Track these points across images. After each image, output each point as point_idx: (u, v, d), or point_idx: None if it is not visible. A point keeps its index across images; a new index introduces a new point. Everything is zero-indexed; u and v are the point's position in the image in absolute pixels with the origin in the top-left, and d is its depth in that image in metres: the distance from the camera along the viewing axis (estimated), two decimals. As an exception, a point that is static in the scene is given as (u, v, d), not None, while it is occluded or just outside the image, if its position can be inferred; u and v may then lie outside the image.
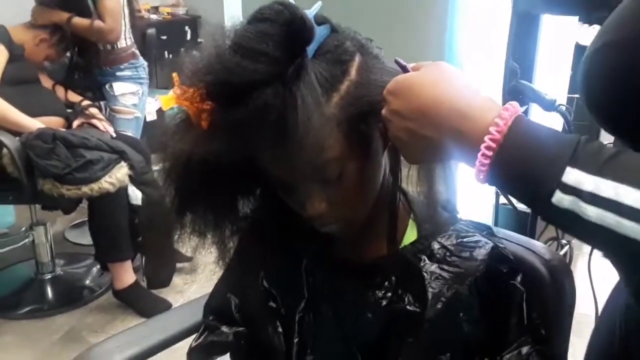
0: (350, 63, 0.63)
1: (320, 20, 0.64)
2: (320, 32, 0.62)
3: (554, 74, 1.95)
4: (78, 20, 2.31)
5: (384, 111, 0.59)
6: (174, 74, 0.62)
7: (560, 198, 0.47)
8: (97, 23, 2.31)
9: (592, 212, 0.46)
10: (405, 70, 0.62)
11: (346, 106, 0.61)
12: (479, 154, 0.51)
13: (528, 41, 1.55)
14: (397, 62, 0.63)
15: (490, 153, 0.50)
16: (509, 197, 0.57)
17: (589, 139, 0.49)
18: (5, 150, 1.95)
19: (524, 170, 0.50)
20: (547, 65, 1.78)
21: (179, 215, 0.70)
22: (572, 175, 0.47)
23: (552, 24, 1.79)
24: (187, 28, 4.11)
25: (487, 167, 0.51)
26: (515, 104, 0.53)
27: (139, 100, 2.57)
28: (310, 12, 0.62)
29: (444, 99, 0.54)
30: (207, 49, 0.61)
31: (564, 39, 1.99)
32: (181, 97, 0.60)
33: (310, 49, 0.60)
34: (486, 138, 0.51)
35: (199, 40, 4.22)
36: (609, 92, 0.53)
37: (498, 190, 0.62)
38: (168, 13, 4.10)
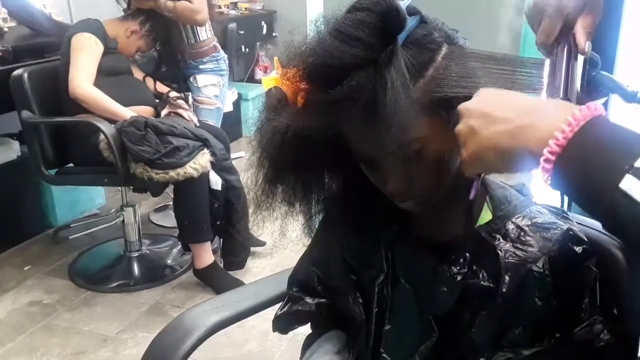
0: (436, 51, 0.68)
1: (411, 11, 0.69)
2: (411, 22, 0.67)
3: (638, 65, 1.89)
4: (170, 2, 2.38)
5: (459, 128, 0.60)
6: (275, 58, 0.70)
7: (617, 204, 0.47)
8: (184, 3, 2.38)
9: None
10: None
11: (430, 91, 0.66)
12: (542, 159, 0.50)
13: (610, 30, 1.52)
14: None
15: (553, 157, 0.50)
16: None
17: None
18: (102, 136, 2.11)
19: (584, 181, 0.49)
20: (630, 55, 1.73)
21: (271, 186, 0.76)
22: (630, 183, 0.46)
23: (636, 12, 1.74)
24: (263, 23, 4.24)
25: (550, 172, 0.50)
26: (593, 105, 0.51)
27: (220, 92, 2.69)
28: (404, 3, 0.67)
29: (509, 101, 0.56)
30: (310, 34, 0.67)
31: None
32: (283, 77, 0.67)
33: (401, 37, 0.65)
34: (550, 142, 0.50)
35: (274, 34, 4.34)
36: None
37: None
38: (246, 8, 4.24)
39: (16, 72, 2.22)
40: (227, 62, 2.74)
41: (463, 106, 0.60)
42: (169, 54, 2.59)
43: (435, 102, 0.67)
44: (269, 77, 0.69)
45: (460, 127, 0.59)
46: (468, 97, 0.68)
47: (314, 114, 0.66)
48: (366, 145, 0.70)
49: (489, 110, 0.57)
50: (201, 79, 2.65)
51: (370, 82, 0.62)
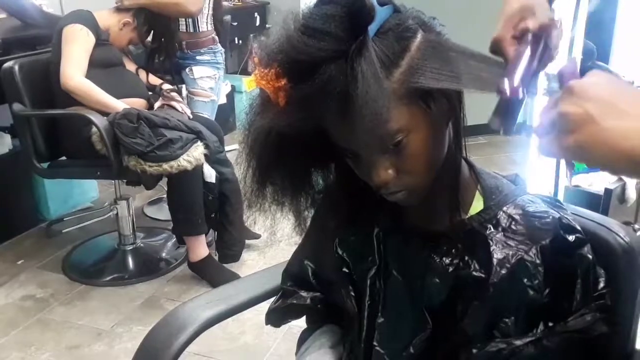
0: (411, 39, 0.66)
1: (383, 1, 0.67)
2: (382, 12, 0.66)
3: (633, 55, 1.89)
4: None
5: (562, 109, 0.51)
6: (255, 59, 0.69)
7: None
8: None
9: None
10: None
11: (407, 80, 0.65)
12: None
13: (605, 20, 1.51)
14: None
15: None
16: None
17: None
18: (94, 129, 2.09)
19: None
20: (626, 46, 1.73)
21: (260, 186, 0.76)
22: None
23: (631, 2, 1.73)
24: (256, 14, 4.21)
25: None
26: None
27: (215, 84, 2.68)
28: None
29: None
30: (279, 31, 0.67)
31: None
32: (259, 78, 0.66)
33: (372, 28, 0.64)
34: None
35: (267, 26, 4.31)
36: None
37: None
38: (239, 0, 4.21)
39: (7, 65, 2.20)
40: (223, 55, 2.73)
41: (577, 84, 0.51)
42: (166, 44, 2.55)
43: (413, 92, 0.66)
44: (250, 78, 0.68)
45: (572, 108, 0.50)
46: (447, 88, 0.67)
47: (292, 112, 0.65)
48: (346, 139, 0.69)
49: (614, 99, 0.49)
50: (197, 71, 2.63)
51: (342, 74, 0.62)
